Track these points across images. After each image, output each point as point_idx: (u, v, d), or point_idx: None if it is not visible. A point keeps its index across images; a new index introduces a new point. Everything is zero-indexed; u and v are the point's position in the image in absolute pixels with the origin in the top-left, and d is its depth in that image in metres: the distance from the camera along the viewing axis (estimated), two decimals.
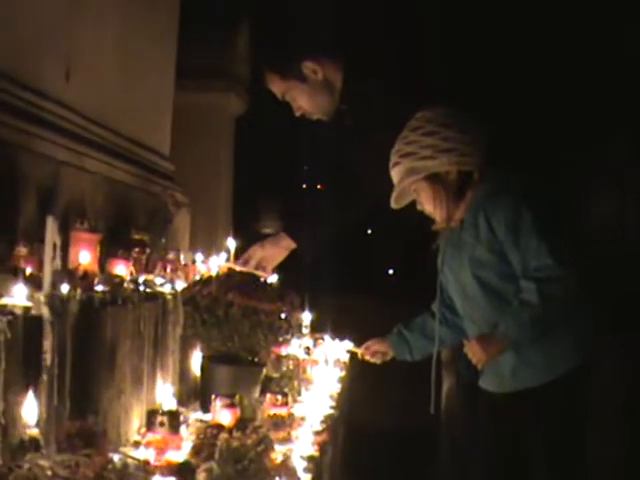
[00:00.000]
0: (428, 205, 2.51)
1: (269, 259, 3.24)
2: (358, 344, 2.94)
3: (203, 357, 2.81)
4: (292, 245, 3.24)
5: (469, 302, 2.52)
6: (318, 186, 3.85)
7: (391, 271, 9.98)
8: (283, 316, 2.80)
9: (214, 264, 3.50)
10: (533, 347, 2.39)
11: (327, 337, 4.22)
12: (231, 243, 3.50)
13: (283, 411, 2.66)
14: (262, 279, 3.43)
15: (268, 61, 3.02)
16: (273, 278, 3.87)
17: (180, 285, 2.83)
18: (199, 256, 3.44)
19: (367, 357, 2.88)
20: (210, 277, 2.91)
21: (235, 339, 2.70)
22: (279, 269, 3.88)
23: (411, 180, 2.49)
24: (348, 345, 3.05)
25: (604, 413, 2.70)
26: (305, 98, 3.00)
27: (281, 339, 2.79)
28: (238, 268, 3.27)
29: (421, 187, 2.49)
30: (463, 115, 2.51)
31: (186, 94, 4.69)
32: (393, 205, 2.57)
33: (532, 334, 2.35)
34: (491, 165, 2.49)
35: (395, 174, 2.52)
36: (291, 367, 3.43)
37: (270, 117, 3.37)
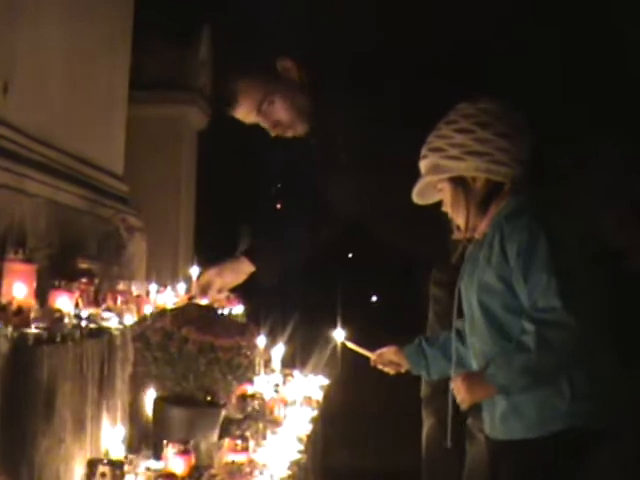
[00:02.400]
0: (449, 209, 2.47)
1: (228, 286, 3.26)
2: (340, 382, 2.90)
3: (155, 398, 2.79)
4: (251, 269, 3.26)
5: (473, 330, 2.47)
6: (278, 205, 3.89)
7: (374, 298, 9.99)
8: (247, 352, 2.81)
9: (170, 295, 3.51)
10: (524, 395, 2.32)
11: (297, 373, 4.23)
12: (193, 271, 3.52)
13: (243, 457, 2.65)
14: (224, 310, 3.46)
15: (239, 66, 3.03)
16: (238, 309, 3.89)
17: (130, 319, 2.82)
18: (154, 286, 3.44)
19: (380, 365, 2.82)
20: (163, 310, 2.91)
21: (190, 378, 2.68)
22: (244, 298, 3.91)
23: (434, 179, 2.45)
24: (359, 350, 2.88)
25: None
26: (287, 104, 3.01)
27: (241, 377, 2.77)
28: (200, 299, 3.28)
29: (445, 188, 2.45)
30: (511, 115, 2.42)
31: (142, 107, 4.70)
32: (415, 200, 2.53)
33: (522, 383, 2.29)
34: (531, 180, 2.42)
35: (422, 167, 2.48)
36: (257, 407, 3.42)
37: (235, 131, 3.38)
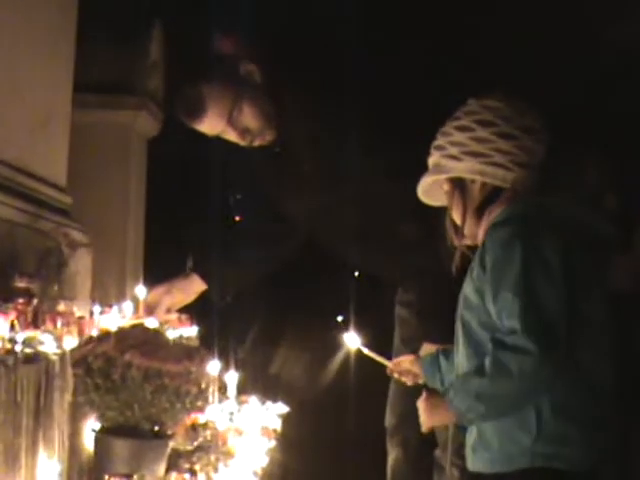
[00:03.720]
0: (451, 213, 2.48)
1: (177, 306, 3.27)
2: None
3: (96, 429, 2.79)
4: (202, 287, 3.28)
5: (457, 349, 2.46)
6: (237, 218, 3.89)
7: (340, 318, 9.97)
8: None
9: (116, 316, 3.50)
10: (488, 424, 2.31)
11: (254, 400, 4.23)
12: (140, 290, 3.51)
13: None
14: (175, 332, 3.45)
15: (203, 74, 3.03)
16: (191, 331, 3.89)
17: (71, 343, 2.81)
18: (97, 307, 3.43)
19: (396, 375, 2.81)
20: (107, 333, 2.90)
21: (135, 407, 2.68)
22: (198, 319, 3.90)
23: (434, 178, 2.46)
24: (368, 352, 2.84)
25: None
26: (256, 110, 3.01)
27: (191, 406, 2.78)
28: (147, 320, 3.28)
29: (445, 189, 2.46)
30: (521, 115, 2.40)
31: (87, 112, 4.68)
32: (423, 199, 2.54)
33: (479, 410, 2.25)
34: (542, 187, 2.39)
35: (429, 165, 2.49)
36: (209, 438, 3.42)
37: (190, 139, 3.38)
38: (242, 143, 3.09)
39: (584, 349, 2.28)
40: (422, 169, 2.50)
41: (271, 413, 4.16)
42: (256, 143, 3.10)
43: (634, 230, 3.74)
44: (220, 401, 3.82)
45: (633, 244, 3.71)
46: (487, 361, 2.22)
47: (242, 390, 4.13)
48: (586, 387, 2.29)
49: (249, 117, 3.03)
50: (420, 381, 2.77)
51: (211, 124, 3.08)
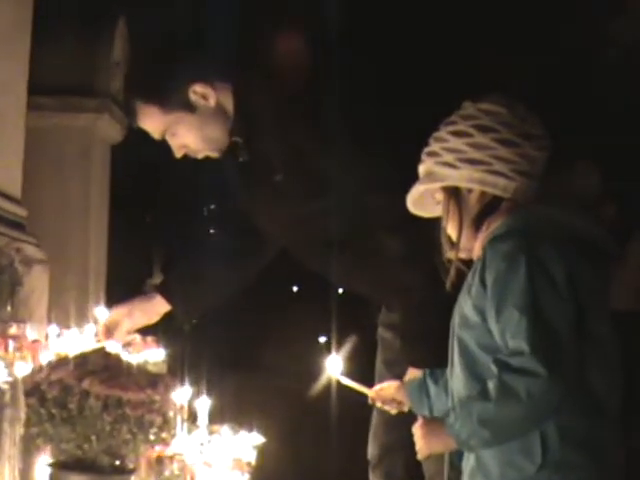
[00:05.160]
0: (446, 225, 2.45)
1: (137, 327, 3.26)
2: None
3: (51, 463, 2.78)
4: (166, 308, 3.27)
5: (452, 373, 2.44)
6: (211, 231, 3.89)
7: (323, 339, 10.01)
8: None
9: (74, 340, 3.48)
10: (489, 449, 2.29)
11: (226, 430, 4.21)
12: (101, 312, 3.49)
13: None
14: (140, 356, 3.45)
15: (142, 90, 3.01)
16: (158, 355, 3.88)
17: (23, 370, 2.81)
18: (54, 329, 3.42)
19: (379, 404, 2.79)
20: (63, 359, 2.90)
21: (93, 439, 2.67)
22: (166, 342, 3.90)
23: (427, 188, 2.43)
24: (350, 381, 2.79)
25: None
26: (192, 133, 3.00)
27: (154, 437, 2.77)
28: (111, 345, 3.27)
29: (440, 199, 2.44)
30: (521, 120, 2.38)
31: (44, 116, 4.69)
32: (412, 211, 2.51)
33: (483, 436, 2.24)
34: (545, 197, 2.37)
35: (420, 173, 2.46)
36: (176, 472, 3.41)
37: (157, 145, 3.38)
38: (177, 155, 3.09)
39: (592, 369, 2.27)
40: (409, 180, 2.49)
41: (245, 444, 4.15)
42: (198, 156, 3.10)
43: (630, 241, 3.76)
44: (189, 431, 3.81)
45: (627, 256, 3.73)
46: (491, 384, 2.21)
47: (213, 419, 4.12)
48: (595, 410, 2.28)
49: (185, 138, 3.02)
50: (405, 409, 2.76)
51: (149, 130, 3.08)
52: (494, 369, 2.22)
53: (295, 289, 9.18)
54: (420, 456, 2.41)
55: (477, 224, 2.40)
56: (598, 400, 2.29)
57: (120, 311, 3.31)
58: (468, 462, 2.38)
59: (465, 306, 2.36)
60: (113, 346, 3.28)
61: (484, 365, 2.29)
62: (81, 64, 5.04)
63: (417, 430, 2.39)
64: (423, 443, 2.37)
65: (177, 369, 3.81)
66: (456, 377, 2.40)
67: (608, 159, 4.13)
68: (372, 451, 3.40)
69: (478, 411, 2.23)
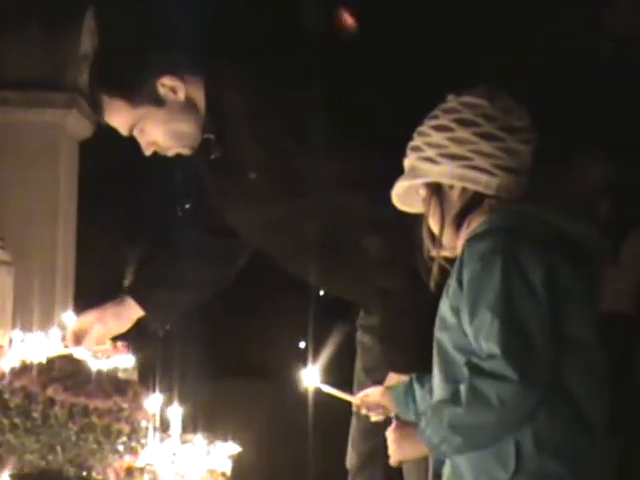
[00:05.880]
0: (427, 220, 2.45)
1: (110, 335, 3.24)
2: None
3: (13, 475, 2.76)
4: (139, 313, 3.26)
5: (434, 371, 2.43)
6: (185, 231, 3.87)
7: (303, 344, 10.00)
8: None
9: (39, 345, 3.47)
10: (464, 457, 2.29)
11: (199, 439, 4.20)
12: (68, 317, 3.48)
13: None
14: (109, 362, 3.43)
15: (107, 83, 2.99)
16: (128, 360, 3.86)
17: None
18: (17, 334, 3.40)
19: (364, 410, 2.77)
20: (27, 365, 2.88)
21: (58, 450, 2.67)
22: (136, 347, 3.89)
23: (410, 183, 2.43)
24: (330, 389, 2.76)
25: None
26: (161, 129, 2.99)
27: (122, 447, 2.76)
28: (78, 351, 3.25)
29: (422, 195, 2.43)
30: (506, 114, 2.37)
31: (9, 111, 4.68)
32: (397, 206, 2.51)
33: (455, 443, 2.24)
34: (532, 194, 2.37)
35: (405, 168, 2.46)
36: None
37: (128, 141, 3.37)
38: (146, 153, 3.07)
39: (572, 376, 2.26)
40: (391, 177, 2.49)
41: (220, 454, 4.14)
42: (169, 154, 3.09)
43: (624, 241, 3.76)
44: (161, 441, 3.80)
45: (620, 257, 3.73)
46: (462, 388, 2.21)
47: (186, 427, 4.11)
48: (574, 418, 2.27)
49: (153, 136, 3.01)
50: (392, 414, 2.75)
51: (118, 127, 3.06)
52: (466, 372, 2.22)
53: (272, 292, 9.14)
54: (392, 461, 2.42)
55: (459, 221, 2.40)
56: (579, 408, 2.28)
57: (90, 317, 3.29)
58: (447, 469, 2.38)
59: (443, 307, 2.36)
60: (81, 353, 3.26)
61: (460, 367, 2.28)
62: (48, 57, 5.03)
63: (390, 434, 2.39)
64: (395, 447, 2.38)
65: (149, 376, 3.78)
66: (436, 379, 2.40)
67: (610, 154, 4.14)
68: (351, 460, 3.40)
69: (449, 416, 2.22)
